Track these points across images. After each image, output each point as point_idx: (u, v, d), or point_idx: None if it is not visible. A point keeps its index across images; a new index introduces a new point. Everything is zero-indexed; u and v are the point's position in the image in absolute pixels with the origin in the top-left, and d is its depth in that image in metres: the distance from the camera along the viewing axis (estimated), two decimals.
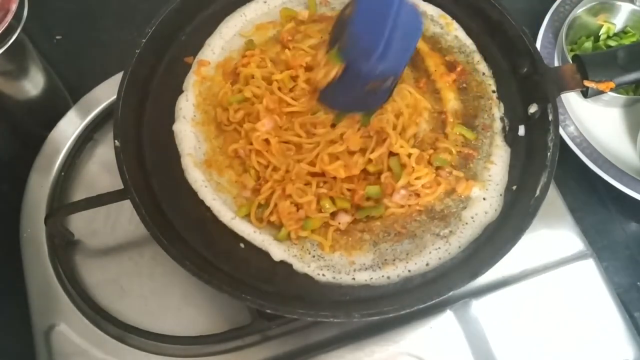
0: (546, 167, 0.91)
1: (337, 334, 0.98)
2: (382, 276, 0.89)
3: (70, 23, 1.36)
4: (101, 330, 0.99)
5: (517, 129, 0.99)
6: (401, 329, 0.96)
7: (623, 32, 1.26)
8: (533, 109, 0.98)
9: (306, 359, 0.96)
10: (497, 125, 1.00)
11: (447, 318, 0.98)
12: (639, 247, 1.14)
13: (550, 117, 0.94)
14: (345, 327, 0.99)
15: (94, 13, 1.37)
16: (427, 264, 0.90)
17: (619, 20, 1.25)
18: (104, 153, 1.15)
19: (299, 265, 0.90)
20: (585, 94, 0.99)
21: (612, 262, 1.09)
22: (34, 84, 1.18)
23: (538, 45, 1.26)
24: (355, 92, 0.89)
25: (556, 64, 1.25)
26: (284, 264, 0.91)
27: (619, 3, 1.23)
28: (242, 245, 0.92)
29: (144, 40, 0.99)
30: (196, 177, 0.95)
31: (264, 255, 0.91)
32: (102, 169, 1.14)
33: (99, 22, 1.35)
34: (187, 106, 1.00)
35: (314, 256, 0.91)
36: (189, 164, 0.96)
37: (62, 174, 1.11)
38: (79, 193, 1.12)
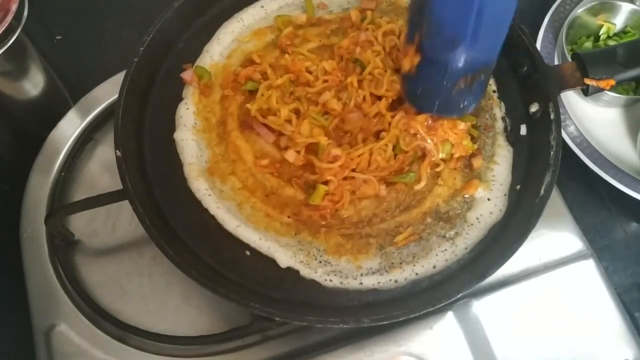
0: (550, 166, 0.91)
1: (337, 334, 0.98)
2: (390, 280, 0.89)
3: (70, 23, 1.36)
4: (101, 330, 0.99)
5: (519, 129, 1.00)
6: (402, 329, 0.96)
7: (623, 32, 1.26)
8: (534, 108, 0.98)
9: (306, 359, 0.96)
10: (499, 125, 1.00)
11: (447, 318, 0.98)
12: (639, 247, 1.14)
13: (552, 116, 0.94)
14: (345, 327, 0.98)
15: (94, 13, 1.37)
16: (434, 267, 0.90)
17: (619, 20, 1.25)
18: (104, 153, 1.15)
19: (305, 272, 0.90)
20: (586, 92, 0.99)
21: (612, 262, 1.09)
22: (34, 84, 1.18)
23: (538, 45, 1.26)
24: (443, 89, 0.83)
25: (556, 63, 1.25)
26: (290, 270, 0.90)
27: (619, 3, 1.23)
28: (247, 252, 0.92)
29: (142, 48, 0.99)
30: (199, 186, 0.95)
31: (270, 262, 0.91)
32: (102, 169, 1.14)
33: (99, 22, 1.35)
34: (187, 114, 1.00)
35: (320, 262, 0.91)
36: (191, 172, 0.96)
37: (62, 174, 1.11)
38: (79, 193, 1.12)
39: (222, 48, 1.06)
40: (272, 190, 0.95)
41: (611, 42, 1.24)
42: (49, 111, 1.19)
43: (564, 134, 1.15)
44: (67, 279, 1.03)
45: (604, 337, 0.99)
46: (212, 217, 0.93)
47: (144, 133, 1.00)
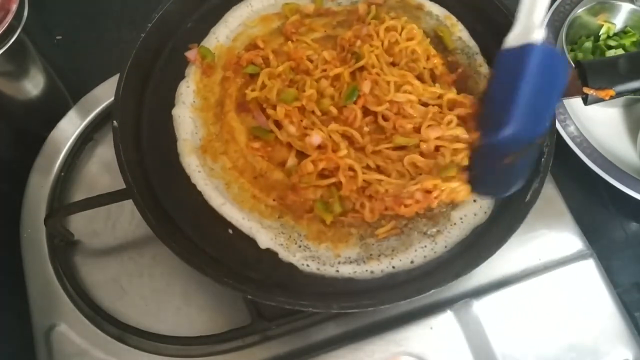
0: (539, 173, 0.90)
1: (337, 334, 0.98)
2: (366, 270, 0.90)
3: (70, 23, 1.36)
4: (101, 330, 0.99)
5: None
6: (401, 329, 0.96)
7: (623, 32, 1.26)
8: None
9: (306, 359, 0.96)
10: None
11: (447, 318, 0.98)
12: (639, 247, 1.14)
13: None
14: (345, 327, 0.99)
15: (94, 13, 1.37)
16: (412, 262, 0.90)
17: (619, 20, 1.25)
18: (104, 153, 1.15)
19: (284, 254, 0.91)
20: (585, 100, 0.97)
21: (612, 262, 1.09)
22: (34, 84, 1.18)
23: None
24: (496, 169, 0.86)
25: None
26: (269, 252, 0.91)
27: (619, 3, 1.23)
28: (230, 231, 0.93)
29: (149, 25, 1.00)
30: (190, 162, 0.96)
31: (251, 242, 0.92)
32: (102, 169, 1.14)
33: (99, 22, 1.35)
34: (187, 92, 1.02)
35: (300, 246, 0.91)
36: (184, 148, 0.97)
37: (62, 174, 1.11)
38: (79, 193, 1.12)
39: (228, 31, 1.08)
40: (260, 172, 0.96)
41: (611, 42, 1.24)
42: (49, 111, 1.19)
43: (564, 134, 1.16)
44: (67, 279, 1.03)
45: (604, 337, 0.99)
46: (200, 194, 0.94)
47: (144, 106, 1.01)
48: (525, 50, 0.82)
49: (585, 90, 0.95)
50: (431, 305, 0.98)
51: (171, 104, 1.01)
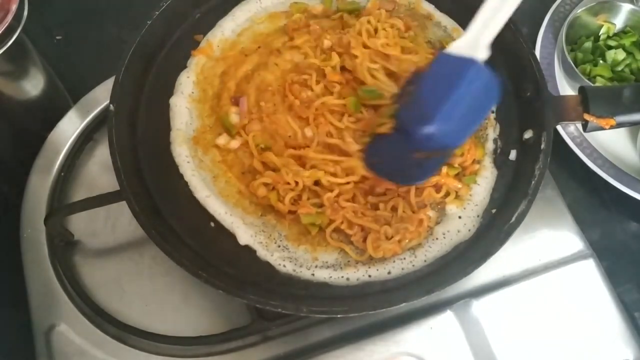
0: (527, 195, 0.88)
1: (337, 334, 0.98)
2: (342, 277, 0.90)
3: (70, 23, 1.36)
4: (101, 330, 0.99)
5: (509, 153, 0.98)
6: (401, 329, 0.96)
7: (623, 32, 1.26)
8: (528, 134, 0.96)
9: (306, 359, 0.96)
10: (489, 145, 0.99)
11: (447, 318, 0.98)
12: (639, 247, 1.14)
13: (543, 146, 0.91)
14: (345, 327, 0.98)
15: (94, 13, 1.37)
16: (389, 272, 0.90)
17: (619, 20, 1.25)
18: (104, 153, 1.14)
19: (262, 253, 0.91)
20: (585, 127, 0.95)
21: (612, 262, 1.09)
22: (34, 84, 1.18)
23: (538, 45, 1.26)
24: (400, 158, 0.85)
25: (556, 64, 1.25)
26: (248, 249, 0.92)
27: (619, 3, 1.23)
28: (212, 224, 0.93)
29: (157, 12, 1.01)
30: (181, 151, 0.97)
31: (231, 237, 0.92)
32: (102, 169, 1.14)
33: (99, 22, 1.35)
34: (187, 82, 1.03)
35: (279, 246, 0.92)
36: (176, 138, 0.98)
37: (62, 174, 1.11)
38: (79, 193, 1.12)
39: (234, 25, 1.09)
40: (249, 169, 0.97)
41: (611, 42, 1.24)
42: (49, 111, 1.19)
43: (564, 134, 1.16)
44: (67, 279, 1.03)
45: (604, 337, 0.99)
46: (186, 184, 0.95)
47: (143, 93, 1.02)
48: (466, 63, 0.81)
49: (586, 116, 0.93)
50: (431, 305, 0.98)
51: (171, 92, 1.02)
